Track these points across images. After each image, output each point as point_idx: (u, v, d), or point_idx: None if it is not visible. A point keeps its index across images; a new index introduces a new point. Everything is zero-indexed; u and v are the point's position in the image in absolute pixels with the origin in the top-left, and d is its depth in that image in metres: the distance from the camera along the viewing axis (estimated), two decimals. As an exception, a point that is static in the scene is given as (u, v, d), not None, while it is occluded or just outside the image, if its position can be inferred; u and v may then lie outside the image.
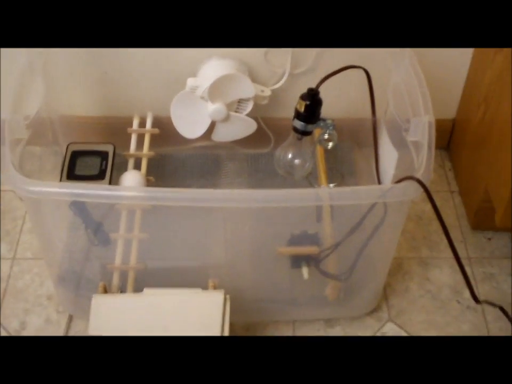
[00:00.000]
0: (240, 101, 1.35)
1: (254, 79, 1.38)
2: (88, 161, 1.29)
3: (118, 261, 1.22)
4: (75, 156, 1.29)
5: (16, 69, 1.15)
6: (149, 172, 1.38)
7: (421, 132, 1.08)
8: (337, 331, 1.31)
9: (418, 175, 1.01)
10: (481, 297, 1.28)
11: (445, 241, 1.05)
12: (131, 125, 1.45)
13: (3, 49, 1.37)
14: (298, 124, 1.19)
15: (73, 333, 1.29)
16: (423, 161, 1.03)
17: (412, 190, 1.02)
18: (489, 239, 1.46)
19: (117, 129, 1.44)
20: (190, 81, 1.34)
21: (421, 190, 1.01)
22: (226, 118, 1.33)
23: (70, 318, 1.31)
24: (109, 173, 1.28)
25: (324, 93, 1.18)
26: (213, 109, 1.31)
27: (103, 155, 1.30)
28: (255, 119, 1.38)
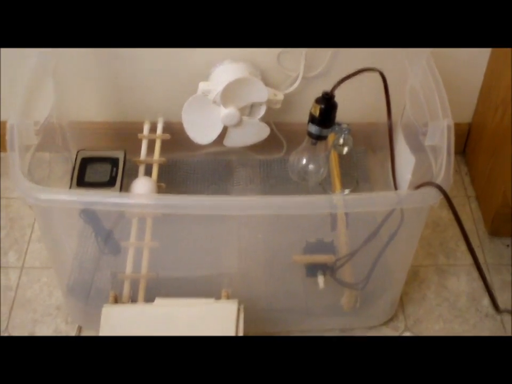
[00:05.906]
0: (252, 105, 1.32)
1: (267, 83, 1.35)
2: (99, 168, 1.28)
3: (128, 270, 1.20)
4: (85, 163, 1.29)
5: (25, 73, 1.13)
6: (160, 178, 1.36)
7: (440, 136, 1.05)
8: (353, 341, 1.28)
9: (438, 181, 0.99)
10: (499, 305, 1.26)
11: (462, 248, 1.03)
12: (142, 131, 1.43)
13: (13, 53, 1.35)
14: (313, 129, 1.16)
15: (83, 343, 1.27)
16: (442, 166, 1.01)
17: (431, 196, 0.99)
18: (508, 245, 1.42)
19: (127, 135, 1.43)
20: (202, 85, 1.31)
21: (440, 196, 0.99)
22: (239, 123, 1.31)
23: (80, 329, 1.28)
24: (120, 180, 1.27)
25: (338, 96, 1.15)
26: (226, 113, 1.28)
27: (114, 161, 1.29)
28: (268, 123, 1.36)
